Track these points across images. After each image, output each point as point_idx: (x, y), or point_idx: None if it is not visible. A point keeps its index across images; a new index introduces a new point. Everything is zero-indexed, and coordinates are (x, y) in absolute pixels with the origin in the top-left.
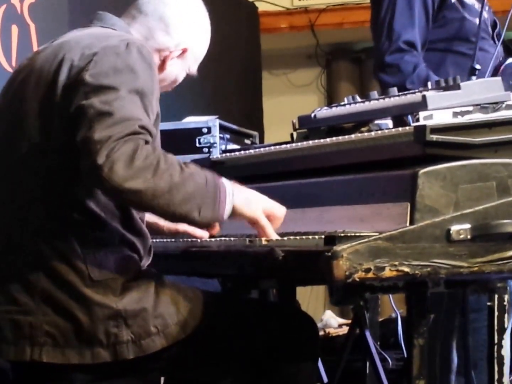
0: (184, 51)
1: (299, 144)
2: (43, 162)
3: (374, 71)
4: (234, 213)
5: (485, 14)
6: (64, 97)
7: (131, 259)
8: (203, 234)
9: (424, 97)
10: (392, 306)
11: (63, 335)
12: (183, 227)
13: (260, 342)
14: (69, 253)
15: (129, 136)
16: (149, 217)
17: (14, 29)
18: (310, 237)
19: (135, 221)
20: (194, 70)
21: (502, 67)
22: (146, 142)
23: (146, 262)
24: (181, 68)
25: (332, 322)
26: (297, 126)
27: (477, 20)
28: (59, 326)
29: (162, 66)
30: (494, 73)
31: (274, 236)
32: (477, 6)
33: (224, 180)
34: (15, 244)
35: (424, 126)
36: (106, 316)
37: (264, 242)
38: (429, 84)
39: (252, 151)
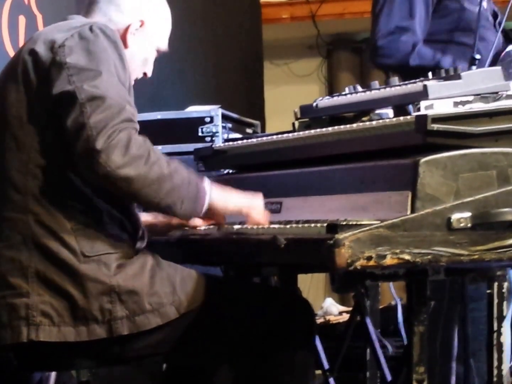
0: (141, 23)
1: (301, 133)
2: (25, 143)
3: (370, 59)
4: (216, 211)
5: (484, 4)
6: (42, 82)
7: (122, 237)
8: (197, 222)
9: (425, 86)
10: (393, 294)
11: (59, 314)
12: (176, 220)
13: (255, 326)
14: (59, 230)
15: (124, 124)
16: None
17: (22, 20)
18: (312, 225)
19: (123, 201)
20: (163, 46)
21: (502, 55)
22: (136, 131)
23: (140, 246)
24: (147, 45)
25: (333, 309)
26: (298, 116)
27: (477, 10)
28: (54, 305)
29: (124, 44)
30: (494, 61)
31: (264, 220)
32: None
33: (205, 178)
34: (3, 224)
35: (425, 116)
36: (100, 292)
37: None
38: (430, 74)
39: (254, 140)
